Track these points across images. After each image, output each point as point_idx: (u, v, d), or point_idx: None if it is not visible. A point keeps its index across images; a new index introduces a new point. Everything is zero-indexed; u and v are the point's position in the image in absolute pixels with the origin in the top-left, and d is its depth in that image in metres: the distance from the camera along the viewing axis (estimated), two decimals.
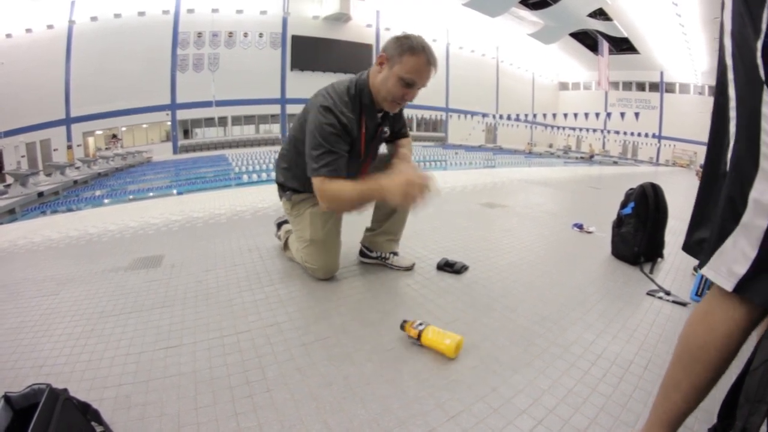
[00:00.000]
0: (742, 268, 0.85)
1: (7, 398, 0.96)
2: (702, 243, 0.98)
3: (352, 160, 2.15)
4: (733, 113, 0.91)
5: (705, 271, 0.92)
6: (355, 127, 2.03)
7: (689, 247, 1.08)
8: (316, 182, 1.95)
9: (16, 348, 1.72)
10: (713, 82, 1.01)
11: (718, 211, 0.91)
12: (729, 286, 0.87)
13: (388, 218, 2.42)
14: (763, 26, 0.80)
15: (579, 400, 1.36)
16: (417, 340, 1.63)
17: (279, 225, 2.83)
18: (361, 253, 2.54)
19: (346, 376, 1.46)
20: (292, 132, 2.24)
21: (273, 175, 2.32)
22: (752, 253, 0.84)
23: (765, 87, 0.80)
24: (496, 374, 1.48)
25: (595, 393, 1.40)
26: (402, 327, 1.68)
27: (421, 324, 1.65)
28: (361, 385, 1.41)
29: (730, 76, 0.91)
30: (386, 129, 2.26)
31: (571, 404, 1.33)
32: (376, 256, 2.49)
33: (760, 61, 0.80)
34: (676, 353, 1.00)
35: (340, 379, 1.44)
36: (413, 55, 1.88)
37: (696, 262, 1.03)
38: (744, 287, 0.86)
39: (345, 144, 1.99)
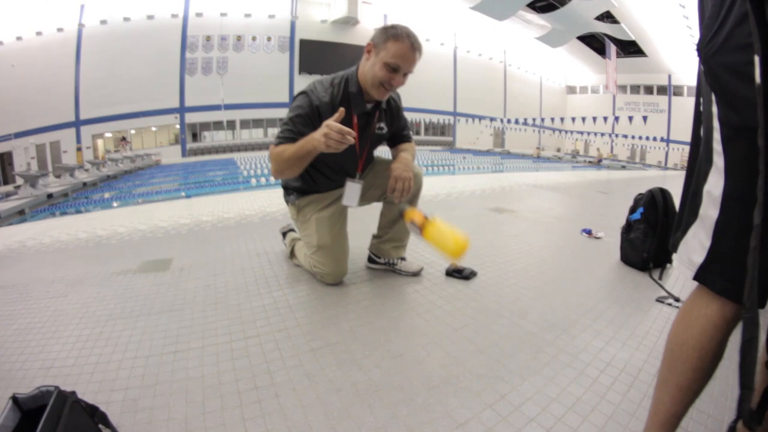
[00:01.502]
0: (699, 257, 0.91)
1: (16, 399, 0.96)
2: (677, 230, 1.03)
3: (347, 151, 2.17)
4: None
5: (675, 262, 0.98)
6: (328, 111, 2.02)
7: (672, 245, 1.09)
8: (270, 152, 2.04)
9: (25, 349, 1.73)
10: None
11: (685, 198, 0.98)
12: (690, 274, 0.93)
13: (393, 225, 2.41)
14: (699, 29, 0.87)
15: (587, 409, 1.34)
16: (420, 231, 1.71)
17: (284, 234, 2.84)
18: (369, 260, 2.54)
19: (355, 382, 1.45)
20: None
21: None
22: (707, 242, 0.89)
23: (710, 88, 0.85)
24: (504, 382, 1.47)
25: (604, 401, 1.38)
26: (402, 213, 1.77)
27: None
28: (369, 391, 1.41)
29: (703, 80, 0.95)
30: (383, 125, 2.26)
31: (580, 412, 1.32)
32: (383, 262, 2.48)
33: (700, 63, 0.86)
34: (664, 352, 1.02)
35: (348, 385, 1.44)
36: (397, 41, 1.95)
37: None
38: (701, 275, 0.91)
39: (310, 128, 1.99)
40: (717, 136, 0.86)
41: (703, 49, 0.85)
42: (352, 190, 2.22)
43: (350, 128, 2.06)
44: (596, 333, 1.83)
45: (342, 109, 1.86)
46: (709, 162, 0.88)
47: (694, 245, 0.92)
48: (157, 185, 13.73)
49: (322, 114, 2.01)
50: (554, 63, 40.13)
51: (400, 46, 1.95)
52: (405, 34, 1.97)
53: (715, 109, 0.85)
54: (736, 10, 0.78)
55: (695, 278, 0.92)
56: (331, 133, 1.78)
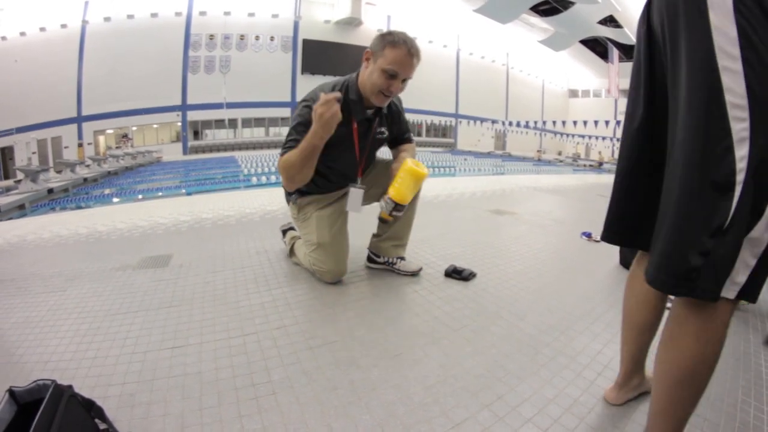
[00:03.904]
0: (743, 277, 0.87)
1: (12, 392, 0.96)
2: (691, 273, 0.88)
3: (346, 156, 2.21)
4: (740, 112, 0.81)
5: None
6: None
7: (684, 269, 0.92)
8: (278, 165, 2.09)
9: (22, 343, 1.73)
10: None
11: (730, 227, 0.84)
12: (731, 295, 0.88)
13: (393, 223, 2.42)
14: None
15: (584, 410, 1.34)
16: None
17: (284, 232, 2.84)
18: (369, 259, 2.54)
19: (352, 381, 1.45)
20: None
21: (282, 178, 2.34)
22: (752, 262, 0.86)
23: None
24: (502, 382, 1.47)
25: (601, 403, 1.38)
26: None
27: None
28: (366, 390, 1.40)
29: (725, 63, 0.81)
30: (383, 130, 2.29)
31: (577, 414, 1.32)
32: (383, 261, 2.48)
33: None
34: (673, 377, 0.98)
35: (345, 383, 1.44)
36: (394, 47, 1.96)
37: None
38: (744, 292, 0.88)
39: None
40: None
41: None
42: (355, 196, 2.24)
43: (350, 134, 2.12)
44: (594, 335, 1.83)
45: (333, 95, 1.87)
46: None
47: (739, 266, 0.87)
48: (157, 182, 13.75)
49: None
50: (557, 66, 40.17)
51: (398, 53, 1.95)
52: (402, 40, 1.97)
53: None
54: None
55: (739, 297, 0.89)
56: (318, 108, 1.84)
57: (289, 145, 2.04)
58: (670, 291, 0.93)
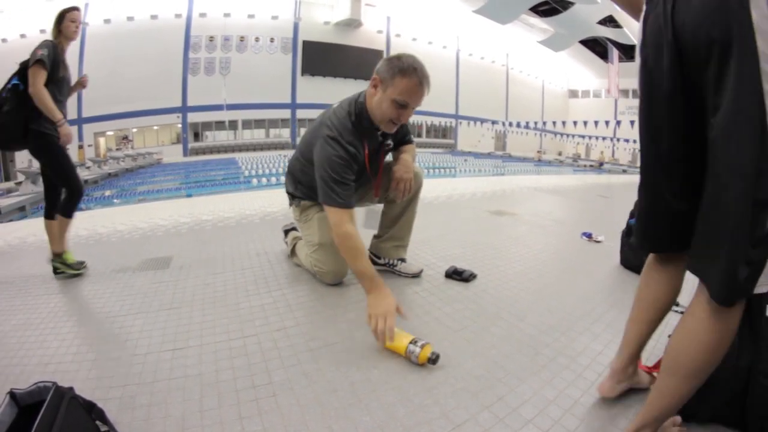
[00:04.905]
0: None
1: (13, 394, 0.96)
2: (746, 282, 0.91)
3: (362, 180, 2.20)
4: None
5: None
6: (360, 153, 2.07)
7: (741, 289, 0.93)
8: (333, 212, 1.96)
9: (23, 345, 1.73)
10: None
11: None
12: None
13: (394, 224, 2.42)
14: None
15: (585, 411, 1.34)
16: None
17: (286, 232, 2.84)
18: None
19: (353, 383, 1.45)
20: (301, 148, 2.30)
21: (282, 179, 2.35)
22: None
23: None
24: (502, 383, 1.47)
25: (602, 404, 1.38)
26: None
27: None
28: (366, 391, 1.40)
29: None
30: (389, 142, 2.28)
31: (577, 415, 1.32)
32: (383, 262, 2.48)
33: None
34: (686, 369, 1.01)
35: (346, 385, 1.44)
36: (404, 77, 1.90)
37: None
38: None
39: (352, 173, 2.03)
40: None
41: None
42: (373, 215, 2.25)
43: (363, 161, 2.10)
44: (594, 336, 1.83)
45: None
46: None
47: None
48: (158, 184, 13.75)
49: (356, 159, 2.04)
50: (556, 67, 40.17)
51: (408, 83, 1.91)
52: (412, 68, 1.91)
53: None
54: None
55: None
56: (378, 327, 1.66)
57: (339, 193, 1.94)
58: (733, 302, 0.95)
